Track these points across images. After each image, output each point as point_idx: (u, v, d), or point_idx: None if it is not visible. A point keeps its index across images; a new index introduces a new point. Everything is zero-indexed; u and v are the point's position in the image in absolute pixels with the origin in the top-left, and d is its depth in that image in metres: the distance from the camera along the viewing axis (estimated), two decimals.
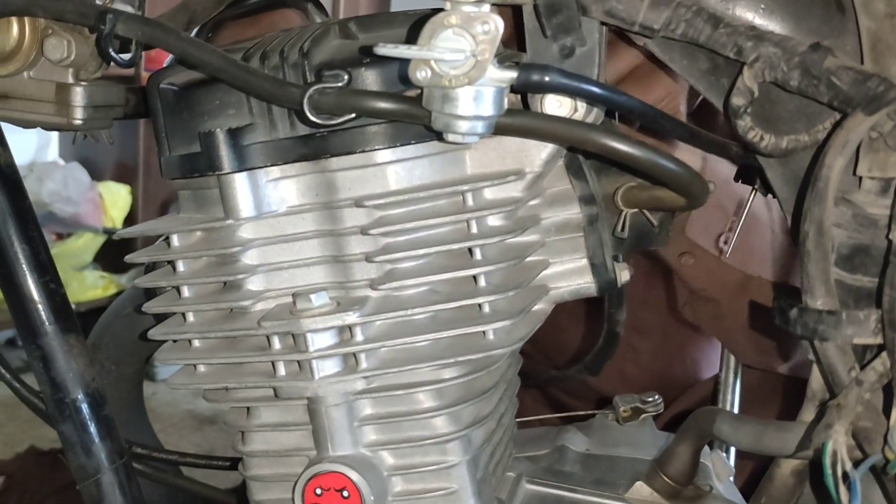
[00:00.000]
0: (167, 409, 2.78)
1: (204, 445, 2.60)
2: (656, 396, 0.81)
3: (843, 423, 0.46)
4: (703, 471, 0.71)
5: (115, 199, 3.33)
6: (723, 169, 0.77)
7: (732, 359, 1.03)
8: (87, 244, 3.24)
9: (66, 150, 3.40)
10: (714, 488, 0.70)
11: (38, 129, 0.67)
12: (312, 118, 0.52)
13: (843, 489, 0.45)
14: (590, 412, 0.86)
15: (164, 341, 0.63)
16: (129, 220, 3.41)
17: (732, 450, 0.94)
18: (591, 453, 0.78)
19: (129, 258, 0.64)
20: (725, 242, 0.75)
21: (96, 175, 3.38)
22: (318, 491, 0.57)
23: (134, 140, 3.30)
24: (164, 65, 0.64)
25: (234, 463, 0.74)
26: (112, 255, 3.29)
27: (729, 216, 0.84)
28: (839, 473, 0.45)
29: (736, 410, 1.04)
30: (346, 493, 0.57)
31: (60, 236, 3.24)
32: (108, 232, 3.29)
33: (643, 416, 0.83)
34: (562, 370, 0.84)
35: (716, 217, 0.85)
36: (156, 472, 0.80)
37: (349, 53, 0.56)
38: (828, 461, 0.46)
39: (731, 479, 0.78)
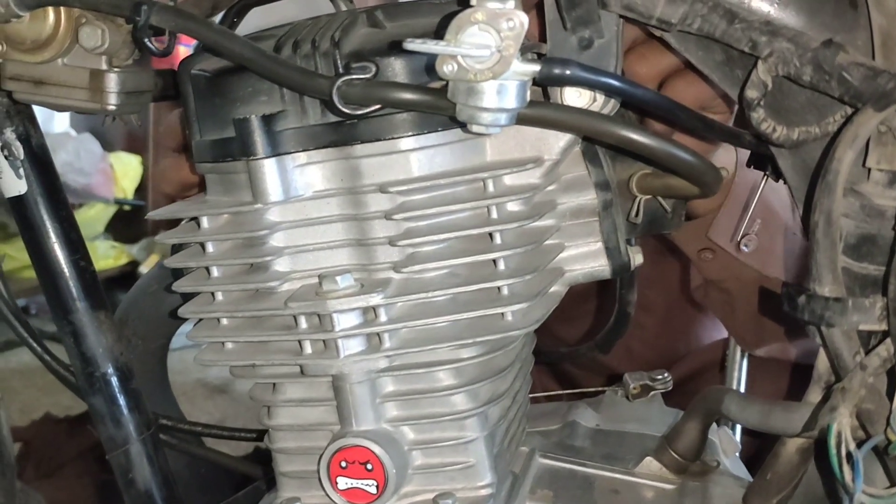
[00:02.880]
0: (178, 378, 2.81)
1: (215, 414, 2.64)
2: (665, 374, 0.84)
3: (848, 405, 0.48)
4: (710, 447, 0.73)
5: (126, 169, 3.35)
6: (750, 176, 0.79)
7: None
8: (98, 214, 3.27)
9: (78, 122, 3.42)
10: (721, 464, 0.72)
11: None
12: (341, 108, 0.54)
13: (846, 468, 0.47)
14: (600, 389, 0.89)
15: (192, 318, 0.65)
16: (140, 190, 3.43)
17: (738, 426, 0.96)
18: (601, 429, 0.81)
19: (159, 238, 0.66)
20: (745, 243, 0.77)
21: (107, 146, 3.40)
22: (343, 464, 0.60)
23: (145, 111, 3.31)
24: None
25: (259, 435, 0.76)
26: (123, 225, 3.32)
27: (754, 220, 0.86)
28: (843, 453, 0.48)
29: (742, 390, 1.07)
30: (369, 466, 0.59)
31: (72, 207, 3.27)
32: (120, 202, 3.32)
33: (652, 392, 0.85)
34: (573, 348, 0.87)
35: (739, 219, 0.87)
36: (180, 442, 0.83)
37: (378, 43, 0.57)
38: (832, 441, 0.48)
39: (738, 454, 0.81)
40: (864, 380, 0.49)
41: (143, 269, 3.29)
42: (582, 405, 0.84)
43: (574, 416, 0.81)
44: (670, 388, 0.84)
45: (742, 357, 1.04)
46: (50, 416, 2.15)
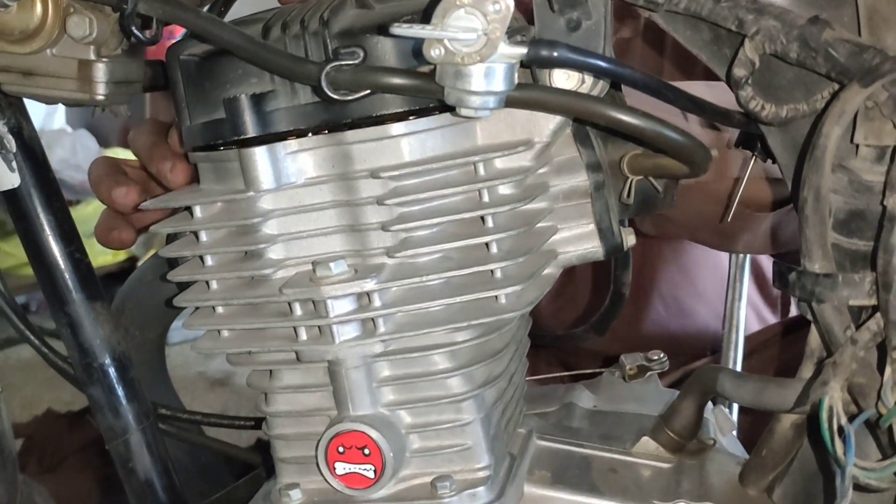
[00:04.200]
0: (179, 371, 2.82)
1: (216, 406, 2.64)
2: (661, 355, 0.84)
3: (839, 379, 0.49)
4: (706, 426, 0.74)
5: None
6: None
7: (735, 319, 1.06)
8: (95, 211, 3.24)
9: (74, 118, 3.41)
10: (717, 442, 0.73)
11: None
12: (330, 94, 0.54)
13: (838, 442, 0.48)
14: (596, 371, 0.89)
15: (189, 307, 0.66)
16: None
17: (735, 405, 0.97)
18: (598, 410, 0.81)
19: (153, 228, 0.66)
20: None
21: (104, 142, 3.39)
22: (341, 449, 0.60)
23: (140, 107, 3.31)
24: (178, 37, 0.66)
25: (257, 423, 0.77)
26: None
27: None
28: (835, 427, 0.48)
29: (738, 369, 1.07)
30: (366, 451, 0.60)
31: (69, 203, 3.26)
32: None
33: (648, 373, 0.86)
34: (568, 331, 0.87)
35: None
36: (180, 431, 0.83)
37: (367, 23, 0.57)
38: (824, 416, 0.48)
39: (734, 433, 0.81)
40: (854, 354, 0.50)
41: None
42: (579, 387, 0.84)
43: (571, 397, 0.81)
44: (666, 369, 0.84)
45: (737, 337, 1.05)
46: (52, 411, 2.16)
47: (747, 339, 1.13)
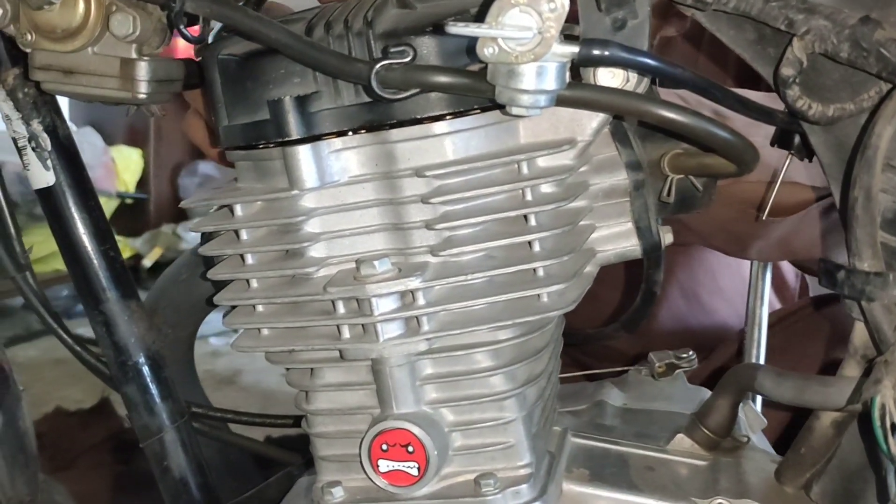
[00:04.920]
0: None
1: (225, 404, 2.64)
2: (690, 353, 0.84)
3: (891, 377, 0.49)
4: (737, 423, 0.74)
5: (128, 163, 3.35)
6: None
7: (758, 315, 1.06)
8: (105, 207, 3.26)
9: (78, 115, 3.41)
10: (750, 439, 0.73)
11: None
12: (380, 93, 0.54)
13: (891, 440, 0.48)
14: (623, 368, 0.90)
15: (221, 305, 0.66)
16: (142, 184, 3.43)
17: (759, 403, 0.97)
18: (628, 407, 0.82)
19: (193, 227, 0.66)
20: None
21: (108, 139, 3.39)
22: (384, 447, 0.60)
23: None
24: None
25: (294, 420, 0.77)
26: (125, 218, 3.32)
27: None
28: (888, 425, 0.48)
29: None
30: (410, 449, 0.60)
31: None
32: (121, 196, 3.32)
33: (677, 371, 0.86)
34: (599, 329, 0.87)
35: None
36: (212, 430, 0.83)
37: (411, 22, 0.58)
38: (876, 414, 0.49)
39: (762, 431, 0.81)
40: None
41: (147, 262, 3.29)
42: (607, 385, 0.84)
43: (601, 395, 0.82)
44: (695, 367, 0.84)
45: (760, 334, 1.05)
46: (61, 409, 2.16)
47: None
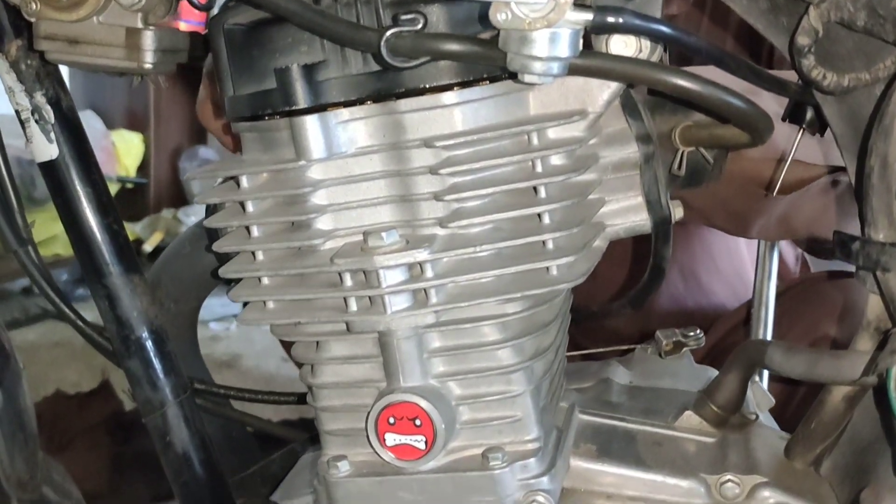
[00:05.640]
0: None
1: None
2: (698, 331, 0.84)
3: None
4: (745, 402, 0.74)
5: (129, 147, 3.34)
6: None
7: (764, 295, 1.06)
8: None
9: (78, 99, 3.38)
10: (758, 417, 0.73)
11: None
12: (390, 61, 0.54)
13: None
14: (629, 347, 0.89)
15: (224, 280, 0.65)
16: (142, 168, 3.41)
17: (765, 380, 0.97)
18: (634, 385, 0.81)
19: (198, 199, 0.66)
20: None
21: (109, 123, 3.37)
22: (391, 420, 0.60)
23: (144, 87, 3.30)
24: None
25: (299, 397, 0.76)
26: (126, 203, 3.30)
27: None
28: None
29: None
30: (417, 422, 0.59)
31: None
32: (122, 180, 3.30)
33: (684, 349, 0.85)
34: (605, 305, 0.87)
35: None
36: (215, 406, 0.83)
37: None
38: (892, 384, 0.48)
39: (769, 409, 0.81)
40: None
41: (147, 247, 3.28)
42: (613, 363, 0.84)
43: (607, 373, 0.81)
44: (703, 345, 0.84)
45: (766, 310, 1.05)
46: (60, 392, 2.15)
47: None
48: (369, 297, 0.60)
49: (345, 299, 0.61)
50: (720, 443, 0.68)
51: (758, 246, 1.09)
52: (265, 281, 0.63)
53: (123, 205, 3.30)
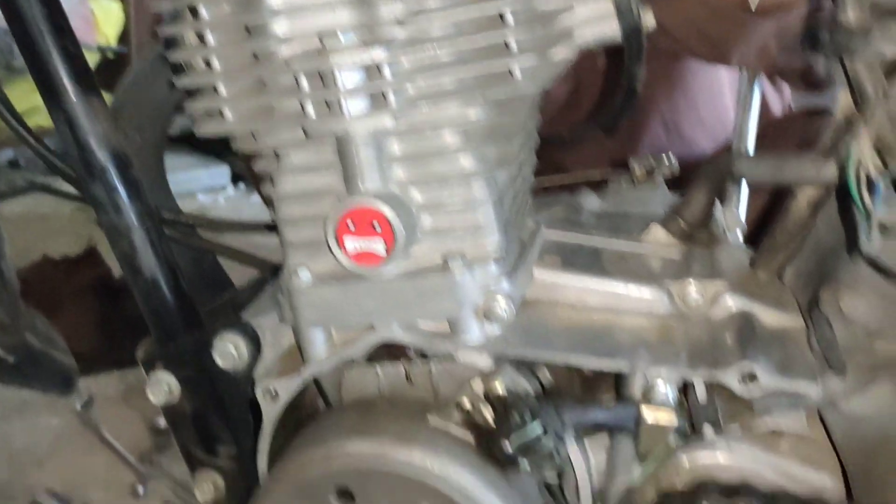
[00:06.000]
0: None
1: None
2: (671, 157, 0.83)
3: (870, 131, 0.47)
4: (715, 223, 0.73)
5: (108, 15, 3.24)
6: None
7: (745, 130, 1.04)
8: None
9: None
10: (727, 234, 0.72)
11: None
12: None
13: (864, 192, 0.47)
14: (602, 179, 0.88)
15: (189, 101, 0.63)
16: (123, 37, 3.33)
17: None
18: (605, 210, 0.81)
19: (155, 6, 0.63)
20: None
21: None
22: (351, 224, 0.59)
23: None
24: None
25: (267, 226, 0.76)
26: (106, 73, 3.23)
27: None
28: (862, 177, 0.47)
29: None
30: (377, 226, 0.59)
31: None
32: (102, 50, 3.22)
33: (658, 176, 0.85)
34: (575, 130, 0.85)
35: None
36: (184, 237, 0.82)
37: None
38: (852, 168, 0.47)
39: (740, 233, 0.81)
40: (887, 109, 0.48)
41: None
42: (585, 191, 0.83)
43: (578, 200, 0.81)
44: (678, 174, 0.83)
45: (748, 129, 1.03)
46: (48, 257, 2.16)
47: None
48: (327, 102, 0.58)
49: (302, 105, 0.59)
50: (685, 256, 0.68)
51: (739, 86, 1.07)
52: (222, 90, 0.62)
53: (104, 75, 3.23)
